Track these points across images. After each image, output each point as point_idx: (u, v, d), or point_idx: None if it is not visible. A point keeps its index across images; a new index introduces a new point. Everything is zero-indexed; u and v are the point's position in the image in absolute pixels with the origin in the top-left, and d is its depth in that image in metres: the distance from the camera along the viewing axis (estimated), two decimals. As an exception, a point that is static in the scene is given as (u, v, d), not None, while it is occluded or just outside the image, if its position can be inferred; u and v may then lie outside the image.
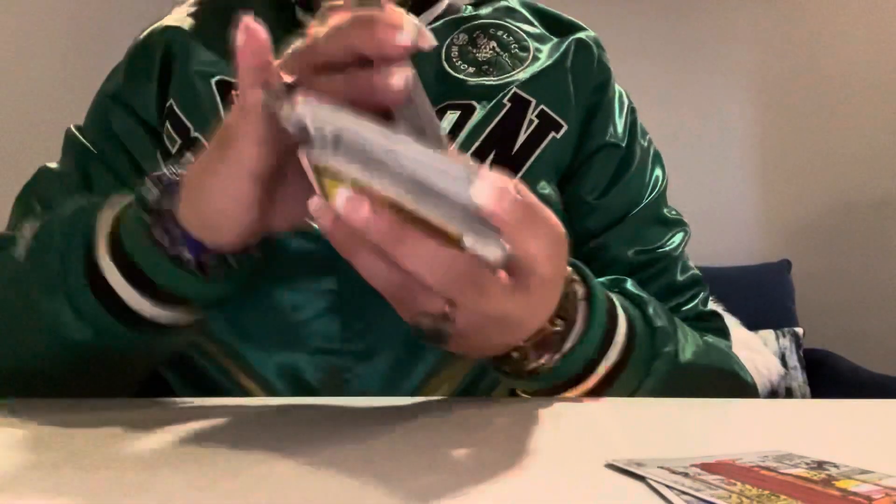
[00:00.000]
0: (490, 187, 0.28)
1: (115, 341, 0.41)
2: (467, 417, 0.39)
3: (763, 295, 2.26)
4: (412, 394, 0.49)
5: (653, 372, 0.46)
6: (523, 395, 0.45)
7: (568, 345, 0.41)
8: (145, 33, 0.59)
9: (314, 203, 0.30)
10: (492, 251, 0.30)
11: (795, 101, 2.62)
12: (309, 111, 0.30)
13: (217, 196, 0.37)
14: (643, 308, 0.48)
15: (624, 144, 0.59)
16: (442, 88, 0.54)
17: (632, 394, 0.45)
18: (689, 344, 0.49)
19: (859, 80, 2.54)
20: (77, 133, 0.57)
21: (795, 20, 2.63)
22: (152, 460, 0.29)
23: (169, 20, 0.59)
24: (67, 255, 0.41)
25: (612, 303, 0.44)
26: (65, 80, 1.81)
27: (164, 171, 0.40)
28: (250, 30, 0.33)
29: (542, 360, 0.40)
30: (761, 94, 2.65)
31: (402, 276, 0.30)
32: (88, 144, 0.56)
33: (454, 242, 0.30)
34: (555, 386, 0.42)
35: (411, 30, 0.31)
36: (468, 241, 0.29)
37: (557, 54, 0.58)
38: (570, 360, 0.41)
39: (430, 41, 0.32)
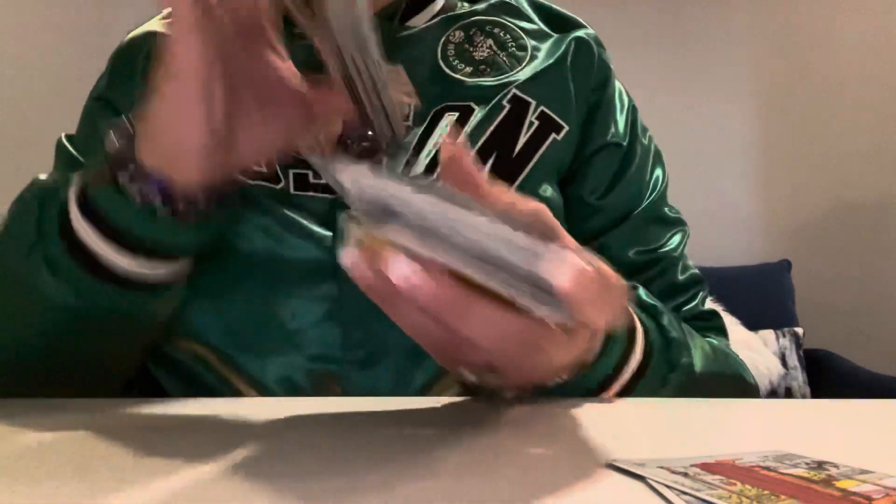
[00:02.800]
0: (566, 268, 0.26)
1: (97, 302, 0.42)
2: (466, 418, 0.39)
3: (763, 295, 2.26)
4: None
5: (668, 383, 0.46)
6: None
7: (589, 362, 0.41)
8: (128, 38, 0.59)
9: (348, 255, 0.28)
10: (557, 318, 0.28)
11: (795, 101, 2.62)
12: (355, 182, 0.29)
13: (171, 122, 0.37)
14: (658, 319, 0.48)
15: (625, 143, 0.58)
16: (439, 89, 0.54)
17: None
18: (698, 351, 0.50)
19: (859, 81, 2.54)
20: (67, 143, 0.57)
21: (796, 20, 2.63)
22: (153, 460, 0.29)
23: (151, 26, 0.59)
24: (42, 220, 0.41)
25: (631, 318, 0.45)
26: (65, 82, 1.81)
27: (126, 122, 0.40)
28: None
29: (563, 378, 0.41)
30: (761, 94, 2.65)
31: (450, 333, 0.29)
32: (77, 154, 0.56)
33: (511, 303, 0.28)
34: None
35: None
36: (535, 309, 0.28)
37: (557, 54, 0.58)
38: (588, 378, 0.42)
39: None
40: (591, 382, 0.43)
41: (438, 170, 0.33)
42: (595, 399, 0.43)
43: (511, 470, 0.28)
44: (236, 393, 0.49)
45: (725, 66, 2.66)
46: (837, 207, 2.55)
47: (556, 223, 0.34)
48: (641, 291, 0.51)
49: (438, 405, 0.42)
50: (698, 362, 0.49)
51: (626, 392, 0.45)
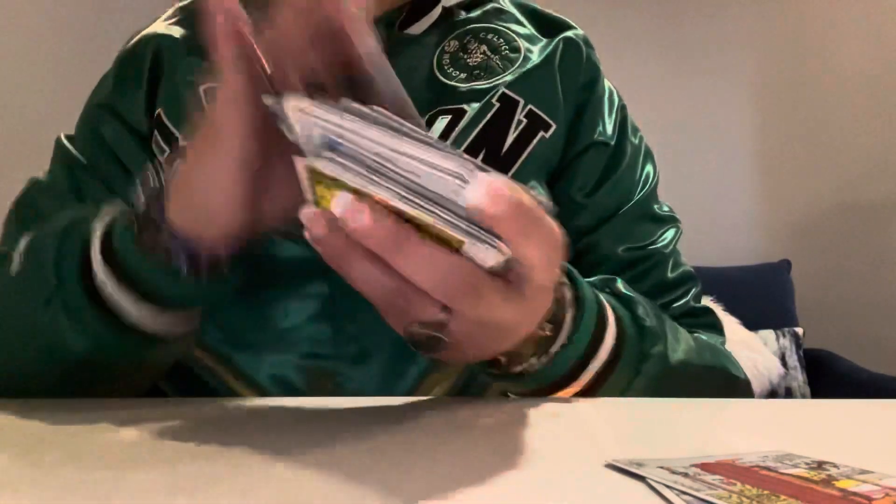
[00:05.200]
0: (487, 189, 0.27)
1: (113, 351, 0.42)
2: (466, 417, 0.39)
3: (763, 295, 2.26)
4: (406, 396, 0.49)
5: (642, 373, 0.46)
6: (512, 395, 0.45)
7: (555, 348, 0.41)
8: (133, 41, 0.59)
9: (306, 211, 0.30)
10: (492, 256, 0.29)
11: (795, 101, 2.62)
12: (300, 114, 0.30)
13: (206, 189, 0.37)
14: (632, 308, 0.48)
15: (613, 142, 0.59)
16: (434, 95, 0.54)
17: (622, 394, 0.45)
18: (679, 343, 0.49)
19: (859, 81, 2.54)
20: (67, 143, 0.57)
21: (795, 20, 2.63)
22: (152, 460, 0.29)
23: (156, 28, 0.59)
24: (61, 268, 0.41)
25: (601, 305, 0.44)
26: (62, 82, 1.81)
27: (151, 174, 0.40)
28: (228, 10, 0.32)
29: (530, 363, 0.41)
30: (761, 94, 2.65)
31: (397, 282, 0.30)
32: (78, 155, 0.56)
33: (453, 246, 0.29)
34: (542, 387, 0.43)
35: None
36: (468, 245, 0.29)
37: (546, 53, 0.58)
38: (558, 363, 0.41)
39: None
40: (559, 370, 0.42)
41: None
42: (593, 398, 0.43)
43: (510, 470, 0.28)
44: (231, 391, 0.50)
45: (726, 66, 2.66)
46: (837, 207, 2.55)
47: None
48: (619, 282, 0.51)
49: (433, 404, 0.42)
50: (678, 353, 0.48)
51: (599, 382, 0.44)
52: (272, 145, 0.36)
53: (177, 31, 0.58)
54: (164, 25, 0.59)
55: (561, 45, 0.59)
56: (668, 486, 0.24)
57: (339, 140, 0.29)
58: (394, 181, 0.28)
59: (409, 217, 0.28)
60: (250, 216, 0.38)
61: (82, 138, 0.57)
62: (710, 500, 0.23)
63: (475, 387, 0.52)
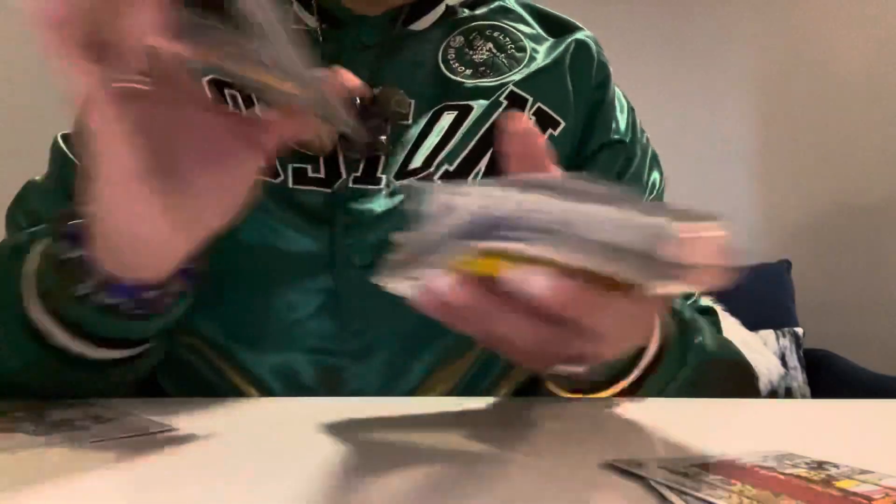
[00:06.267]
0: (688, 242, 0.26)
1: (50, 374, 0.41)
2: (466, 417, 0.39)
3: (763, 295, 2.25)
4: (409, 393, 0.49)
5: (688, 363, 0.46)
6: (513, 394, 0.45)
7: None
8: None
9: (441, 282, 0.26)
10: (677, 290, 0.28)
11: (795, 101, 2.62)
12: (445, 207, 0.27)
13: (117, 220, 0.34)
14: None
15: (628, 140, 0.59)
16: (439, 91, 0.54)
17: (666, 386, 0.45)
18: (709, 334, 0.50)
19: (859, 81, 2.54)
20: (62, 143, 0.57)
21: (795, 20, 2.63)
22: (152, 460, 0.29)
23: None
24: (2, 295, 0.41)
25: None
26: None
27: (73, 210, 0.38)
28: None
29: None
30: (761, 94, 2.65)
31: (554, 329, 0.28)
32: (69, 152, 0.55)
33: (621, 284, 0.27)
34: (596, 385, 0.43)
35: None
36: (658, 288, 0.27)
37: (555, 54, 0.58)
38: (618, 360, 0.41)
39: None
40: (614, 367, 0.42)
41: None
42: (594, 399, 0.43)
43: (510, 470, 0.28)
44: (232, 386, 0.49)
45: (725, 66, 2.66)
46: (837, 207, 2.55)
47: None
48: None
49: (436, 404, 0.42)
50: (712, 345, 0.49)
51: (646, 376, 0.44)
52: (173, 143, 0.34)
53: None
54: None
55: (573, 46, 0.59)
56: (668, 486, 0.24)
57: (497, 215, 0.26)
58: (572, 243, 0.25)
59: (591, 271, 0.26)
60: (183, 228, 0.35)
61: (76, 132, 0.57)
62: (710, 500, 0.23)
63: (479, 387, 0.52)
